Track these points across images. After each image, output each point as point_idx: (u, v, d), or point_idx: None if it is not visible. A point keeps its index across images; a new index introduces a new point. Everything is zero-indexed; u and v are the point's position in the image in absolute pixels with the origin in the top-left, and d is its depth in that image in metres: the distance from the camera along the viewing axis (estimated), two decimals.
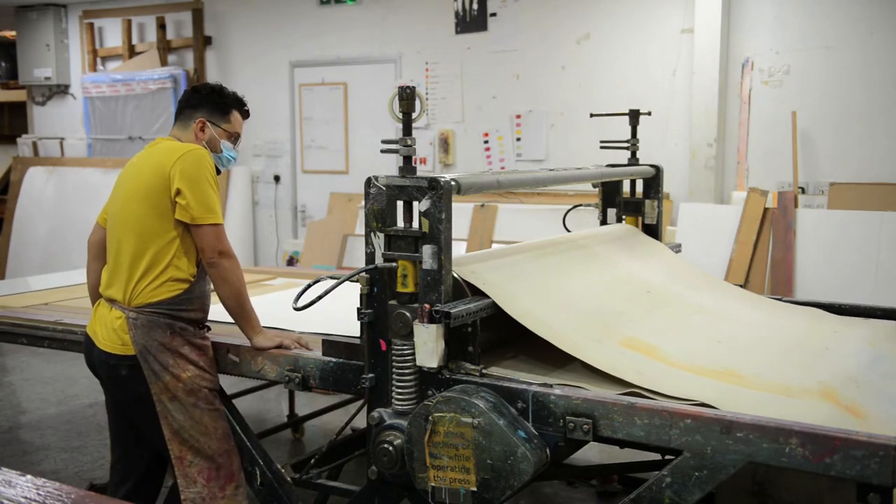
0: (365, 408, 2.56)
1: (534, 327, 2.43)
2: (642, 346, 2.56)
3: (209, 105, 2.97)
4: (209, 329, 2.98)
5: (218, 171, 2.93)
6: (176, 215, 2.75)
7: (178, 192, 2.73)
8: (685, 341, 2.68)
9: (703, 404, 2.17)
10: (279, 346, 2.86)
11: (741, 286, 3.56)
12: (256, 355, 2.86)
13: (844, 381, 2.45)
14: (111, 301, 2.85)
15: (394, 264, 2.41)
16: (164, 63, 8.24)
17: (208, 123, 2.95)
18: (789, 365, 2.57)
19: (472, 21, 6.91)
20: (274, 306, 3.44)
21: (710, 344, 2.71)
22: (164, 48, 8.29)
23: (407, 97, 2.43)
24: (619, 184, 3.70)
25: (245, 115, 3.07)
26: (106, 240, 2.94)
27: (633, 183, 3.74)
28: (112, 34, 8.77)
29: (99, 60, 8.83)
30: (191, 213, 2.73)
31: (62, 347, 3.39)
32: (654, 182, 3.66)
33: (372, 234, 2.47)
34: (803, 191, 5.82)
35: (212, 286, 2.88)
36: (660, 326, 2.78)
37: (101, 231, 3.00)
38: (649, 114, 3.91)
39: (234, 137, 3.03)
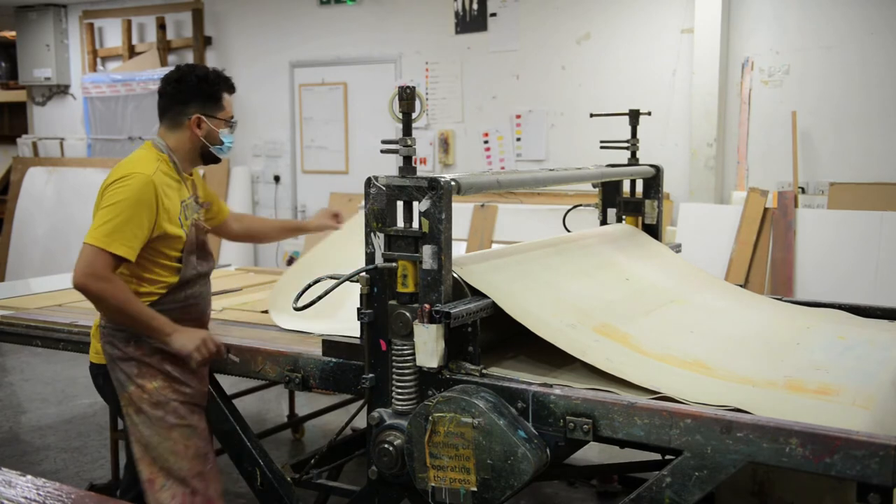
0: (365, 408, 2.56)
1: (518, 316, 2.43)
2: (615, 334, 2.57)
3: (200, 97, 2.77)
4: None
5: (218, 160, 2.86)
6: None
7: (94, 214, 2.62)
8: (659, 331, 2.70)
9: (665, 397, 2.19)
10: (200, 349, 2.65)
11: (741, 286, 3.56)
12: (256, 355, 2.86)
13: (810, 371, 2.48)
14: None
15: (394, 264, 2.41)
16: (164, 63, 8.24)
17: (204, 118, 2.77)
18: (757, 358, 2.60)
19: (472, 21, 6.91)
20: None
21: (682, 334, 2.72)
22: (164, 48, 8.29)
23: (407, 97, 2.42)
24: (619, 184, 3.70)
25: (233, 91, 2.88)
26: None
27: (633, 183, 3.74)
28: (112, 34, 8.77)
29: (99, 60, 8.83)
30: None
31: (78, 350, 3.33)
32: (654, 182, 3.66)
33: (372, 234, 2.47)
34: (803, 191, 5.82)
35: (195, 293, 2.78)
36: (635, 315, 2.79)
37: None
38: (649, 114, 3.91)
39: (231, 122, 2.85)
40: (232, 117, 2.86)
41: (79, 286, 2.54)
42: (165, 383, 2.66)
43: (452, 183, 2.40)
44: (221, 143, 2.82)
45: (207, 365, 2.83)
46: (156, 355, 2.66)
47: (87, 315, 3.51)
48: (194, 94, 2.77)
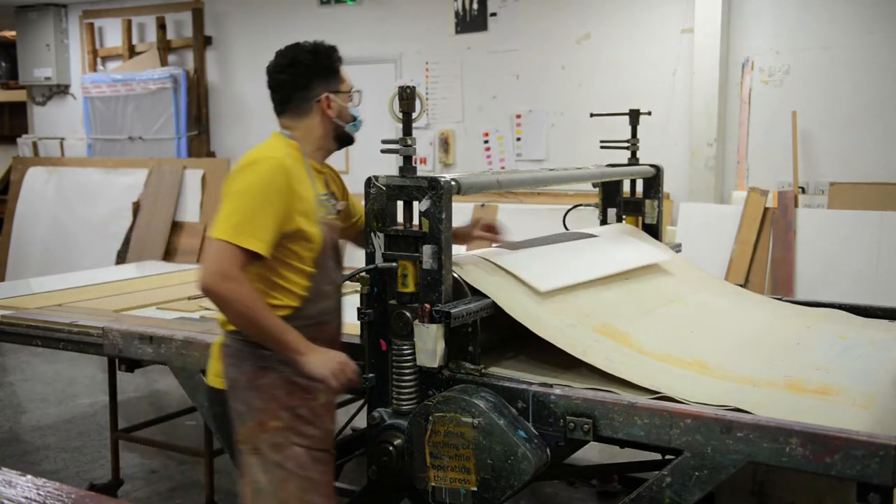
0: (365, 408, 2.56)
1: (518, 316, 2.43)
2: (615, 334, 2.57)
3: (320, 74, 2.43)
4: None
5: (352, 140, 2.53)
6: None
7: (220, 204, 2.28)
8: (659, 331, 2.70)
9: (665, 397, 2.19)
10: (337, 375, 2.32)
11: (741, 286, 3.56)
12: None
13: (810, 371, 2.48)
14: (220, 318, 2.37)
15: (394, 264, 2.41)
16: (164, 63, 8.23)
17: (332, 96, 2.43)
18: (758, 358, 2.60)
19: (472, 21, 6.91)
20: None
21: (682, 334, 2.72)
22: (164, 48, 8.29)
23: (407, 97, 2.43)
24: (619, 184, 3.70)
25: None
26: None
27: (633, 183, 3.74)
28: (112, 34, 8.77)
29: (99, 60, 8.83)
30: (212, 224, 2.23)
31: (78, 349, 3.34)
32: (654, 182, 3.66)
33: (372, 234, 2.47)
34: (803, 191, 5.82)
35: (329, 307, 2.41)
36: (635, 315, 2.79)
37: None
38: (649, 114, 3.91)
39: (355, 94, 2.51)
40: (352, 87, 2.52)
41: (205, 287, 2.17)
42: (290, 423, 2.26)
43: (452, 183, 2.40)
44: (353, 118, 2.50)
45: (337, 398, 2.48)
46: (283, 387, 2.26)
47: (85, 315, 3.51)
48: (314, 73, 2.42)
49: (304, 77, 2.41)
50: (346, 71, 2.51)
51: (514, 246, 2.90)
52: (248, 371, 2.26)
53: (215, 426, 2.42)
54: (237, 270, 2.16)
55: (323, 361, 2.28)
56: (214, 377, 2.38)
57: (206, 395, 2.42)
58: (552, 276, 2.70)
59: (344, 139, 2.53)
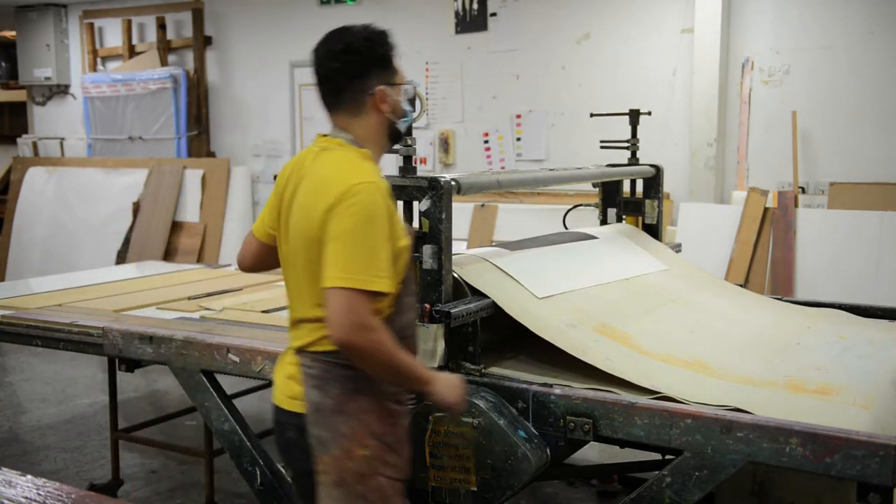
0: None
1: (518, 316, 2.44)
2: (615, 334, 2.58)
3: (376, 62, 2.18)
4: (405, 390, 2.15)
5: (401, 138, 2.30)
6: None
7: (327, 246, 1.99)
8: (659, 331, 2.70)
9: (665, 397, 2.19)
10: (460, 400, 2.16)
11: (741, 286, 3.57)
12: (256, 355, 2.85)
13: (810, 371, 2.48)
14: (292, 339, 2.18)
15: None
16: (164, 63, 8.23)
17: (386, 88, 2.16)
18: (757, 358, 2.60)
19: (472, 21, 6.91)
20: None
21: (682, 334, 2.73)
22: (164, 48, 8.29)
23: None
24: (619, 183, 3.70)
25: None
26: (258, 255, 2.34)
27: (633, 183, 3.75)
28: (112, 34, 8.77)
29: (99, 60, 8.83)
30: (324, 273, 1.98)
31: (78, 349, 3.34)
32: (654, 182, 3.66)
33: None
34: (803, 191, 5.82)
35: (410, 320, 2.20)
36: (635, 315, 2.79)
37: (254, 244, 2.34)
38: (649, 114, 3.91)
39: (409, 86, 2.26)
40: (405, 80, 2.27)
41: (346, 344, 1.95)
42: (377, 452, 2.05)
43: (452, 183, 2.40)
44: (405, 113, 2.23)
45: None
46: (374, 413, 2.07)
47: (87, 315, 3.51)
48: (369, 62, 2.17)
49: (357, 66, 2.15)
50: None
51: (514, 246, 2.90)
52: (336, 395, 2.05)
53: (283, 452, 2.23)
54: (371, 318, 1.97)
55: (448, 387, 2.12)
56: (289, 399, 2.14)
57: (275, 419, 2.20)
58: (551, 283, 2.70)
59: (395, 137, 2.26)
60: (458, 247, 2.61)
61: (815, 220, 5.54)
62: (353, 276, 1.94)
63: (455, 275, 2.45)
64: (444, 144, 7.12)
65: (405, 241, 2.12)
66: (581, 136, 6.46)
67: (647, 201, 3.67)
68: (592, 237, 3.30)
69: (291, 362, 2.15)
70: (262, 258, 2.35)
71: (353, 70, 2.13)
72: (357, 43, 2.17)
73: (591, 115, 3.86)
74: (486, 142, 6.98)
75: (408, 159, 2.45)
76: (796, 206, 5.61)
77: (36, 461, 4.59)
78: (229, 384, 3.43)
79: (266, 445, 3.09)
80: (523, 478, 2.20)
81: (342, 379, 2.05)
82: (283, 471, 2.91)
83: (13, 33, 9.60)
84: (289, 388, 2.14)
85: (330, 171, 2.06)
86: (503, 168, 6.88)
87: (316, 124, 7.72)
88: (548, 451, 2.26)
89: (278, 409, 2.17)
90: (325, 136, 2.19)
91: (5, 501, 1.35)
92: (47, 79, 9.00)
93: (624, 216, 3.70)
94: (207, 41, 8.16)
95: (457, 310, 2.30)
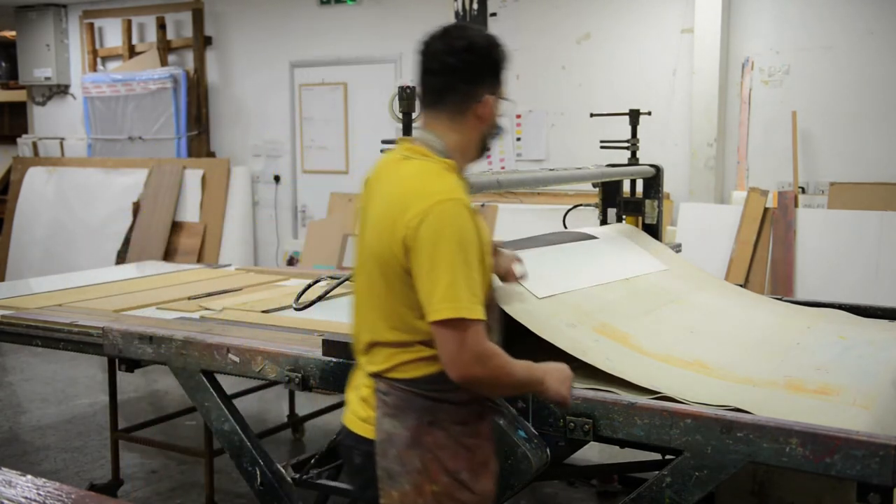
0: None
1: (518, 316, 2.43)
2: (615, 334, 2.58)
3: (490, 70, 2.04)
4: (486, 420, 2.08)
5: (486, 152, 2.13)
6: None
7: (412, 272, 1.88)
8: (659, 331, 2.70)
9: (665, 397, 2.19)
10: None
11: (741, 286, 3.57)
12: (256, 355, 2.85)
13: (810, 371, 2.48)
14: (365, 362, 2.06)
15: None
16: (164, 63, 8.24)
17: (494, 99, 2.04)
18: (758, 358, 2.60)
19: (472, 21, 6.91)
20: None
21: (682, 334, 2.73)
22: (164, 48, 8.29)
23: (407, 97, 2.43)
24: (619, 184, 3.71)
25: None
26: None
27: (633, 183, 3.75)
28: (112, 34, 8.77)
29: (99, 60, 8.83)
30: (426, 303, 1.86)
31: (78, 349, 3.33)
32: (654, 182, 3.66)
33: None
34: (803, 191, 5.82)
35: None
36: (635, 315, 2.79)
37: None
38: (649, 114, 3.91)
39: (509, 105, 2.16)
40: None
41: (469, 379, 1.87)
42: (448, 489, 1.94)
43: None
44: (499, 129, 2.13)
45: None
46: (449, 448, 1.95)
47: (87, 315, 3.51)
48: (485, 67, 2.03)
49: (474, 69, 2.00)
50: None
51: (514, 246, 2.90)
52: (412, 426, 1.93)
53: (352, 476, 2.14)
54: (487, 343, 1.88)
55: (559, 381, 2.05)
56: (360, 422, 2.03)
57: (343, 441, 2.11)
58: (551, 283, 2.70)
59: (483, 152, 2.13)
60: None
61: (815, 220, 5.54)
62: (463, 305, 1.83)
63: None
64: None
65: (491, 259, 2.03)
66: (581, 136, 6.46)
67: (647, 201, 3.67)
68: (592, 237, 3.29)
69: (367, 385, 2.02)
70: None
71: (468, 71, 1.99)
72: (480, 44, 2.02)
73: (591, 115, 3.87)
74: None
75: None
76: (796, 206, 5.61)
77: (36, 461, 4.59)
78: (229, 384, 3.43)
79: (266, 445, 3.10)
80: (523, 478, 2.20)
81: (420, 410, 1.94)
82: (282, 471, 2.92)
83: (13, 33, 9.60)
84: (359, 409, 2.04)
85: (412, 184, 1.93)
86: (503, 168, 6.88)
87: (316, 124, 7.72)
88: (548, 451, 2.26)
89: (348, 431, 2.07)
90: (408, 139, 2.08)
91: (5, 501, 1.35)
92: (47, 79, 9.01)
93: (624, 216, 3.70)
94: (207, 41, 8.16)
95: None
